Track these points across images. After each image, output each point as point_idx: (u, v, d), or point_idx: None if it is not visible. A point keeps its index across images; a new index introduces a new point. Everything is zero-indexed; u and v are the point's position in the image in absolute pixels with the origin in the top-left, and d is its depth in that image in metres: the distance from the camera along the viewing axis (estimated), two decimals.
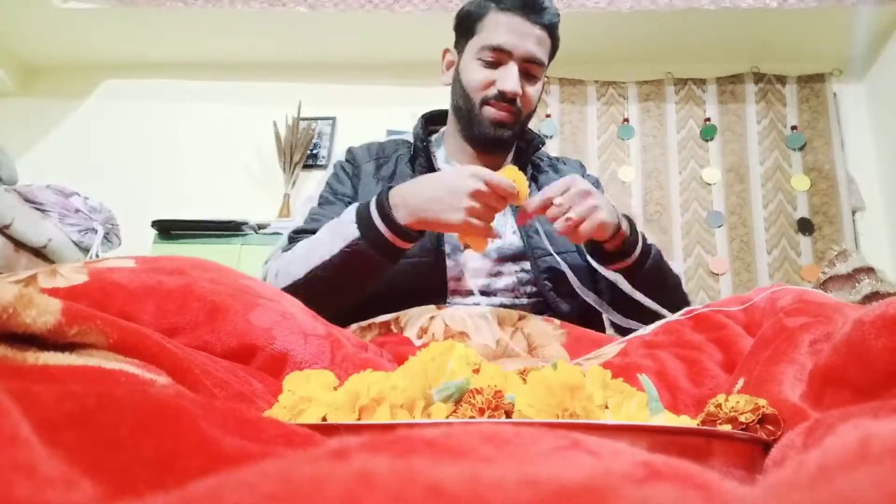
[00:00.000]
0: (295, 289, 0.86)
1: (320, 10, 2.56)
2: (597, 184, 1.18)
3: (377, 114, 2.84)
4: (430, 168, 1.07)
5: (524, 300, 1.01)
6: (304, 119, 2.89)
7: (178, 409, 0.26)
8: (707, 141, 2.78)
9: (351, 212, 0.88)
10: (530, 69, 1.03)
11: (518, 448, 0.20)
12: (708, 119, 2.80)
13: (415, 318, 0.90)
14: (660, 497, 0.16)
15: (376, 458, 0.17)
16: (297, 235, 1.00)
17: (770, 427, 0.42)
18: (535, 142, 1.13)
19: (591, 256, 0.94)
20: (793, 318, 0.57)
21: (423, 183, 0.86)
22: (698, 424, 0.44)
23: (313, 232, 0.98)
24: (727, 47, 2.80)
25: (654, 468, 0.18)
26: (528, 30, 1.01)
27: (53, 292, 0.51)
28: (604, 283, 1.00)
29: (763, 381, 0.50)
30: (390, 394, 0.41)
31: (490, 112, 1.02)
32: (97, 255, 2.04)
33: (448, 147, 1.13)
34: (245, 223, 2.45)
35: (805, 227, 2.61)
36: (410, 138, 1.14)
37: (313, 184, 1.15)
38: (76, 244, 1.98)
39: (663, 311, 0.87)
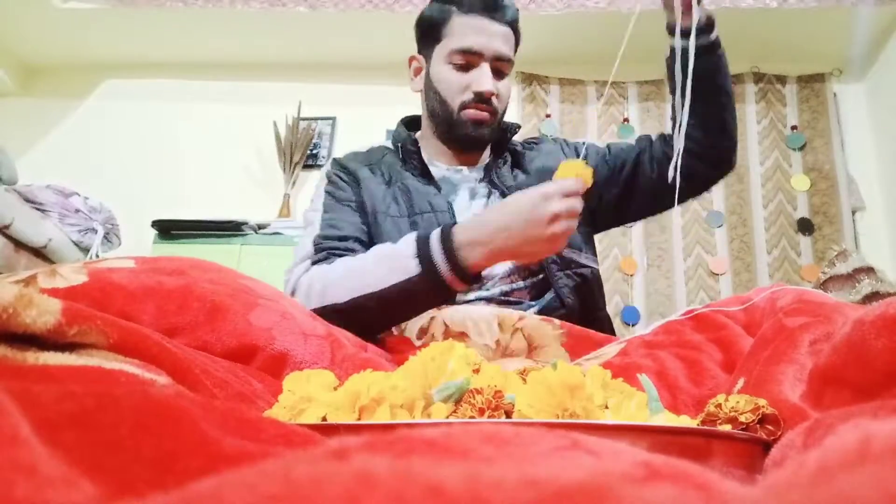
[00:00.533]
0: (333, 312, 0.84)
1: (320, 10, 2.56)
2: (561, 140, 1.21)
3: (377, 114, 2.84)
4: (424, 169, 1.08)
5: (520, 283, 1.02)
6: (304, 119, 2.89)
7: (178, 409, 0.26)
8: None
9: (410, 244, 0.85)
10: (500, 67, 1.05)
11: (518, 448, 0.20)
12: None
13: (415, 319, 0.90)
14: (660, 497, 0.16)
15: (376, 458, 0.17)
16: (322, 241, 0.97)
17: (770, 427, 0.42)
18: (512, 129, 1.14)
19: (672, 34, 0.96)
20: (793, 318, 0.57)
21: (497, 219, 0.82)
22: (698, 424, 0.44)
23: (336, 238, 0.97)
24: (727, 47, 2.79)
25: (654, 468, 0.18)
26: (494, 29, 1.03)
27: (53, 292, 0.51)
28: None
29: (763, 381, 0.50)
30: (390, 394, 0.41)
31: (469, 114, 1.04)
32: (97, 255, 2.04)
33: (427, 149, 1.14)
34: (245, 223, 2.45)
35: (805, 227, 2.61)
36: (390, 144, 1.15)
37: (309, 197, 1.11)
38: (76, 244, 1.98)
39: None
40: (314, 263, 0.95)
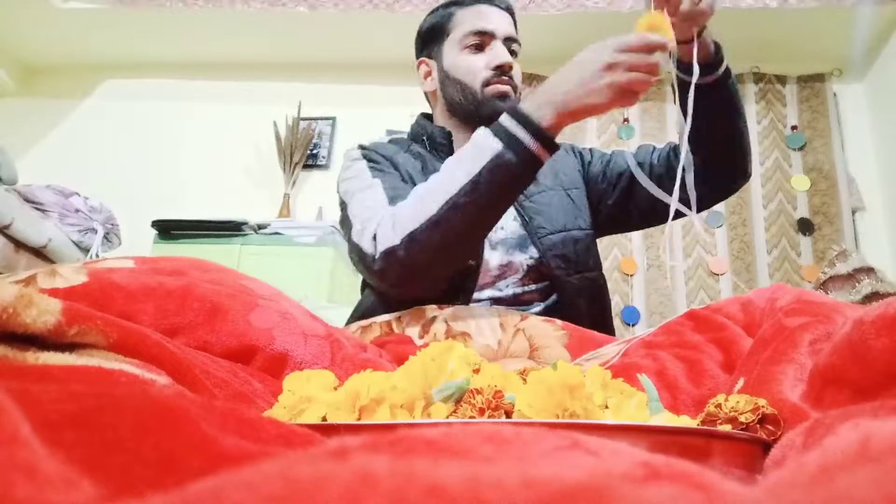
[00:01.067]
0: (428, 228, 0.81)
1: (320, 10, 2.56)
2: (569, 145, 1.21)
3: (377, 114, 2.85)
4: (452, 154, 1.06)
5: (532, 286, 1.02)
6: (304, 119, 2.89)
7: (178, 409, 0.26)
8: None
9: (482, 131, 0.84)
10: (511, 47, 1.08)
11: (518, 448, 0.20)
12: None
13: (417, 318, 0.90)
14: (660, 497, 0.16)
15: (376, 458, 0.17)
16: (395, 196, 0.92)
17: (770, 427, 0.43)
18: None
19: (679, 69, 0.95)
20: (792, 318, 0.57)
21: (558, 77, 0.83)
22: (698, 424, 0.44)
23: (408, 192, 0.91)
24: (727, 47, 2.80)
25: (654, 468, 0.18)
26: (498, 13, 1.08)
27: (53, 292, 0.51)
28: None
29: (763, 381, 0.50)
30: (390, 394, 0.41)
31: (493, 90, 1.04)
32: (97, 255, 2.04)
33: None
34: (245, 223, 2.45)
35: (805, 227, 2.61)
36: (405, 136, 1.16)
37: (342, 181, 1.03)
38: (76, 244, 1.98)
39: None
40: (391, 206, 0.90)
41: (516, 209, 1.05)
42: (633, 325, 2.55)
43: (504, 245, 1.03)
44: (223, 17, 2.74)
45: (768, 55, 2.81)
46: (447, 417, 0.42)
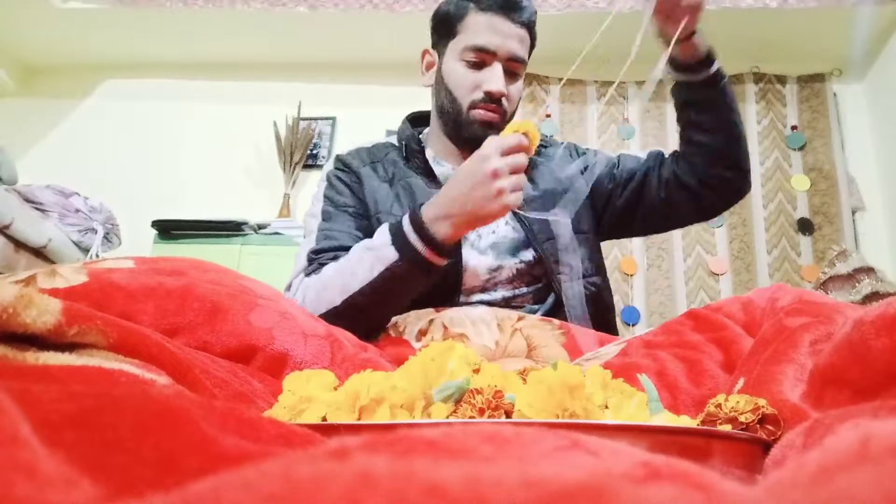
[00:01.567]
0: (334, 315, 0.86)
1: (320, 10, 2.56)
2: (571, 146, 1.21)
3: (377, 114, 2.84)
4: (427, 168, 1.07)
5: (523, 289, 1.01)
6: (304, 119, 2.89)
7: (178, 409, 0.26)
8: None
9: (384, 234, 0.87)
10: (513, 68, 1.04)
11: (518, 448, 0.20)
12: None
13: (414, 321, 0.90)
14: (660, 497, 0.16)
15: (376, 458, 0.17)
16: (316, 256, 0.98)
17: (770, 427, 0.43)
18: None
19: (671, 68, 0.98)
20: (793, 318, 0.57)
21: (450, 190, 0.85)
22: (698, 424, 0.44)
23: (331, 250, 0.97)
24: (727, 47, 2.78)
25: (654, 468, 0.18)
26: (510, 29, 1.02)
27: (53, 293, 0.51)
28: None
29: (763, 381, 0.50)
30: (390, 394, 0.41)
31: (478, 115, 1.02)
32: (97, 255, 2.04)
33: (434, 147, 1.13)
34: (245, 223, 2.45)
35: (805, 227, 2.61)
36: (394, 140, 1.14)
37: (311, 196, 1.11)
38: (76, 244, 1.98)
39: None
40: (307, 275, 0.96)
41: (513, 213, 1.04)
42: (633, 325, 2.55)
43: (494, 249, 1.02)
44: (223, 17, 2.74)
45: (768, 55, 2.81)
46: (447, 417, 0.42)
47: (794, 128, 2.74)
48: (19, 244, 1.79)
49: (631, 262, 2.65)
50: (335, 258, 0.96)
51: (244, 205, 2.72)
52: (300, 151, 2.84)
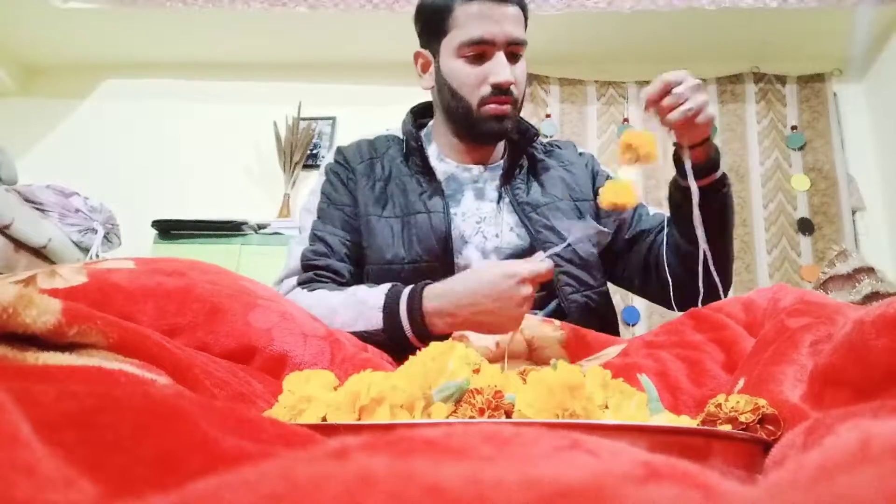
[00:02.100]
0: None
1: (320, 10, 2.56)
2: (592, 160, 1.18)
3: (377, 114, 2.84)
4: (426, 167, 1.05)
5: None
6: (304, 119, 2.89)
7: (178, 409, 0.26)
8: None
9: (380, 297, 0.86)
10: (514, 50, 1.00)
11: (518, 448, 0.20)
12: None
13: None
14: (660, 497, 0.16)
15: (376, 458, 0.17)
16: (310, 259, 0.98)
17: (770, 427, 0.43)
18: (530, 133, 1.10)
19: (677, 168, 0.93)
20: (794, 318, 0.57)
21: (464, 292, 0.82)
22: (698, 424, 0.44)
23: (326, 257, 0.98)
24: (727, 47, 2.80)
25: (654, 468, 0.18)
26: (502, 12, 0.97)
27: (53, 293, 0.51)
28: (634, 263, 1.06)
29: (763, 381, 0.50)
30: (390, 394, 0.41)
31: (490, 109, 0.99)
32: (97, 256, 2.04)
33: (438, 142, 1.11)
34: (245, 223, 2.45)
35: (805, 227, 2.61)
36: (399, 134, 1.12)
37: (308, 189, 1.11)
38: (76, 244, 1.98)
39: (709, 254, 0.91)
40: (300, 284, 0.96)
41: (520, 219, 1.03)
42: (633, 325, 2.55)
43: (498, 254, 1.01)
44: (223, 17, 2.74)
45: (768, 55, 2.81)
46: (447, 417, 0.42)
47: (794, 128, 2.74)
48: (19, 244, 1.79)
49: None
50: (329, 267, 0.97)
51: (244, 205, 2.72)
52: (300, 151, 2.84)
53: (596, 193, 1.11)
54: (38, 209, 1.90)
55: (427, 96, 1.14)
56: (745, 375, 0.55)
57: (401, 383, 0.42)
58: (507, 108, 1.00)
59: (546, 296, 1.01)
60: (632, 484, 0.16)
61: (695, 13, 2.46)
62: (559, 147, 1.18)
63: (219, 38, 2.93)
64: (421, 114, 1.16)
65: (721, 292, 0.92)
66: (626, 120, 2.83)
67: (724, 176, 0.96)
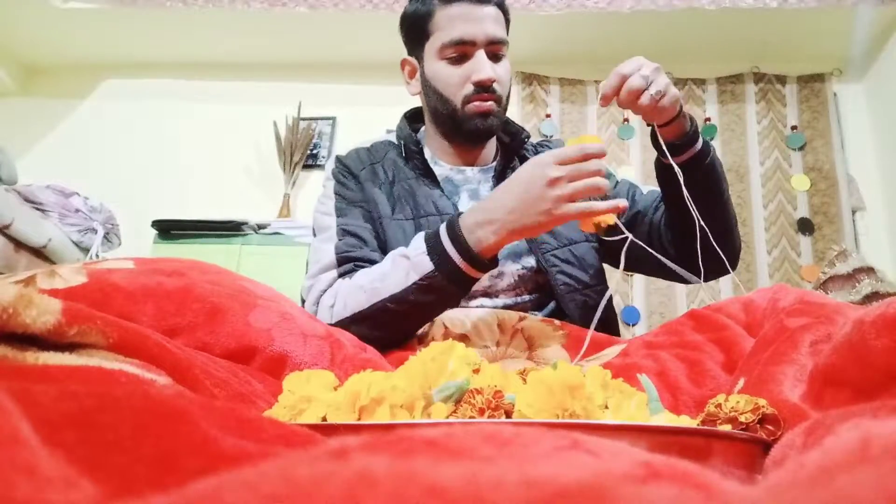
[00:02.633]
0: (356, 319, 0.85)
1: (320, 10, 2.56)
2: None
3: (377, 114, 2.84)
4: (427, 168, 1.06)
5: (525, 297, 1.01)
6: (304, 119, 2.89)
7: (178, 409, 0.26)
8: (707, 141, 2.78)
9: (420, 243, 0.85)
10: (495, 50, 1.01)
11: (518, 448, 0.20)
12: (708, 119, 2.80)
13: None
14: (660, 497, 0.16)
15: (376, 458, 0.17)
16: (347, 251, 0.96)
17: (770, 427, 0.43)
18: (522, 135, 1.11)
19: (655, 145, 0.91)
20: (794, 318, 0.57)
21: (500, 196, 0.81)
22: (698, 424, 0.44)
23: (361, 248, 0.96)
24: (727, 47, 2.80)
25: (654, 468, 0.18)
26: (481, 13, 0.99)
27: (53, 293, 0.51)
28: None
29: (763, 381, 0.50)
30: (390, 394, 0.41)
31: (473, 108, 1.00)
32: (97, 256, 2.04)
33: (430, 146, 1.12)
34: (245, 223, 2.45)
35: (805, 227, 2.61)
36: (394, 138, 1.13)
37: (318, 196, 1.10)
38: (76, 244, 1.98)
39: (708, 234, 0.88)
40: (341, 276, 0.94)
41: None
42: (633, 325, 2.55)
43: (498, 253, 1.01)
44: (223, 18, 2.74)
45: (768, 55, 2.81)
46: (447, 417, 0.42)
47: (794, 128, 2.74)
48: (19, 244, 1.79)
49: None
50: (365, 256, 0.95)
51: (244, 205, 2.73)
52: (300, 151, 2.84)
53: None
54: (38, 209, 1.90)
55: (419, 101, 1.16)
56: (744, 375, 0.55)
57: (401, 383, 0.42)
58: (490, 104, 1.01)
59: (545, 295, 1.01)
60: (632, 484, 0.16)
61: (695, 13, 2.46)
62: (549, 147, 1.18)
63: (219, 38, 2.93)
64: (413, 118, 1.17)
65: (727, 264, 0.90)
66: (626, 120, 2.83)
67: (705, 144, 0.94)
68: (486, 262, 0.82)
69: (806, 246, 2.59)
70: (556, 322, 0.89)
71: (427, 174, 1.06)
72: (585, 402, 0.41)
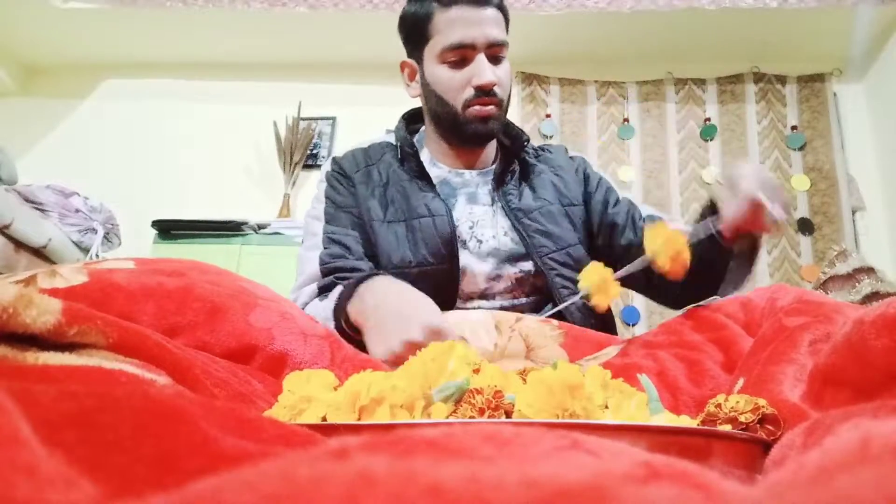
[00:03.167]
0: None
1: (320, 10, 2.56)
2: (583, 163, 1.18)
3: (377, 114, 2.84)
4: (422, 171, 1.06)
5: (523, 299, 1.01)
6: (304, 119, 2.89)
7: (178, 409, 0.26)
8: (707, 141, 2.78)
9: (333, 297, 0.88)
10: (495, 52, 1.00)
11: (518, 448, 0.20)
12: (708, 119, 2.80)
13: None
14: (660, 497, 0.16)
15: (376, 458, 0.17)
16: (328, 262, 0.97)
17: (770, 427, 0.43)
18: (523, 139, 1.10)
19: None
20: (792, 317, 0.57)
21: (389, 300, 0.80)
22: (698, 424, 0.44)
23: (344, 258, 0.98)
24: (727, 47, 2.80)
25: (654, 468, 0.18)
26: (480, 15, 0.98)
27: (53, 293, 0.51)
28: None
29: (763, 380, 0.50)
30: (390, 394, 0.41)
31: (474, 111, 1.00)
32: (97, 256, 2.04)
33: (430, 148, 1.12)
34: (245, 223, 2.45)
35: (805, 227, 2.61)
36: (393, 140, 1.12)
37: (312, 197, 1.11)
38: (76, 244, 1.98)
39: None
40: (320, 289, 0.95)
41: (512, 224, 1.02)
42: (633, 325, 2.55)
43: (495, 256, 1.01)
44: (223, 17, 2.74)
45: (768, 55, 2.81)
46: (447, 417, 0.42)
47: (794, 128, 2.74)
48: (19, 244, 1.79)
49: None
50: (347, 266, 0.97)
51: (244, 205, 2.72)
52: (300, 151, 2.84)
53: (587, 197, 1.11)
54: (38, 209, 1.90)
55: (419, 103, 1.15)
56: (744, 375, 0.55)
57: (401, 383, 0.42)
58: (491, 108, 1.00)
59: (543, 298, 1.01)
60: (632, 484, 0.16)
61: (695, 13, 2.46)
62: (549, 152, 1.18)
63: (219, 38, 2.93)
64: (412, 120, 1.17)
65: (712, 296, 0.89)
66: (626, 120, 2.83)
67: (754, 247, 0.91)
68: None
69: (806, 246, 2.59)
70: (554, 322, 0.89)
71: (422, 176, 1.06)
72: (585, 402, 0.41)
